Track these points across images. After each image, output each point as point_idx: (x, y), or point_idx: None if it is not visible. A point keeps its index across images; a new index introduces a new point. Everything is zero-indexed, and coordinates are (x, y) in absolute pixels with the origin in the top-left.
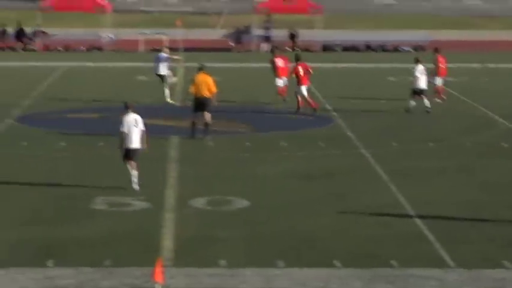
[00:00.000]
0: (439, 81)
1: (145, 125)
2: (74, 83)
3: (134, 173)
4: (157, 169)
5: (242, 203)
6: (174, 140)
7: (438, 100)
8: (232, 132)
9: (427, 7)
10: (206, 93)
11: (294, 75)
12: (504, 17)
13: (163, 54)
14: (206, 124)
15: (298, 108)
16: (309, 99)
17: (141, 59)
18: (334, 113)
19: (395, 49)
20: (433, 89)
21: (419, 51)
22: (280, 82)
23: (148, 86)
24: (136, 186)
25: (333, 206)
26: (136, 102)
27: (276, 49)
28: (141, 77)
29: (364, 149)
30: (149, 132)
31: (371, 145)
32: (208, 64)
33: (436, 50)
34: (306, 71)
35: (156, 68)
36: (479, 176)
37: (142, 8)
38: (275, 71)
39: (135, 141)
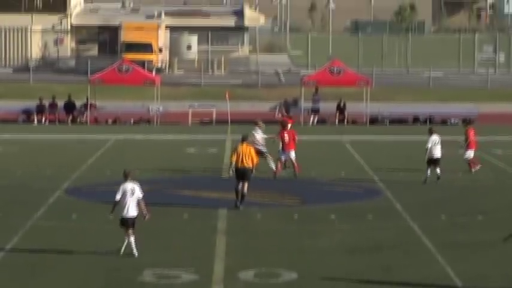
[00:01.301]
0: (470, 153)
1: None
2: (123, 155)
3: (131, 240)
4: (205, 241)
5: (290, 275)
6: (222, 212)
7: (474, 170)
8: (280, 204)
9: (474, 80)
10: (248, 164)
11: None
12: None
13: (258, 130)
14: (243, 195)
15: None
16: (295, 162)
17: (189, 132)
18: (382, 185)
19: (443, 121)
20: (467, 163)
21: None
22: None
23: (196, 158)
24: (136, 252)
25: (380, 279)
26: (184, 174)
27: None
28: (190, 150)
29: (412, 221)
30: (196, 204)
31: (419, 217)
32: None
33: (468, 123)
34: (293, 137)
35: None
36: None
37: (190, 81)
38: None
39: (132, 210)
